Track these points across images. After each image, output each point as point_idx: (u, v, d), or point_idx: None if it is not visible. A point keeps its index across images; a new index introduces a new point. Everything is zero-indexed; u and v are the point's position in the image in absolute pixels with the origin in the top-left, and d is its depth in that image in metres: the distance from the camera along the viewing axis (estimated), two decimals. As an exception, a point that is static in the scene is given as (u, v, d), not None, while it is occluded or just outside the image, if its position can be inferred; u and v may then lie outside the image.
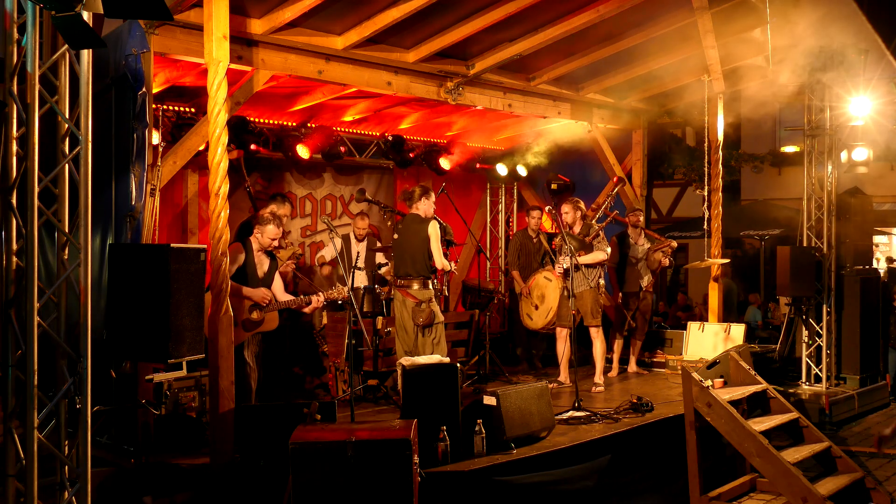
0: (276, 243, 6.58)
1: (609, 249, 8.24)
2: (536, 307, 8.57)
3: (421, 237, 7.06)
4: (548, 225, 10.59)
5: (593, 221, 8.42)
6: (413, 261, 7.07)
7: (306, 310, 6.79)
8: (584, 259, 7.96)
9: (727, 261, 9.67)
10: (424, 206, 7.21)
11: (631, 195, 10.34)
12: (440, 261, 7.09)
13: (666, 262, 9.17)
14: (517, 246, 9.48)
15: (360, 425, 5.25)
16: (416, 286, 7.05)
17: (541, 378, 7.86)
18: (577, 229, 8.17)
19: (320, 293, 6.65)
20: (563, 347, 8.17)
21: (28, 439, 3.48)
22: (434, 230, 7.07)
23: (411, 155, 10.21)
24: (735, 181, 16.19)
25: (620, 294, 9.14)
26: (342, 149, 9.44)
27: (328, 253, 8.74)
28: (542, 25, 7.48)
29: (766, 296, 14.00)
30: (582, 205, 8.34)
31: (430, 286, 7.12)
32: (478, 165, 11.10)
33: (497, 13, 6.95)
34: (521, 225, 11.86)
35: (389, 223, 7.23)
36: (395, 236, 7.26)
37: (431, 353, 6.80)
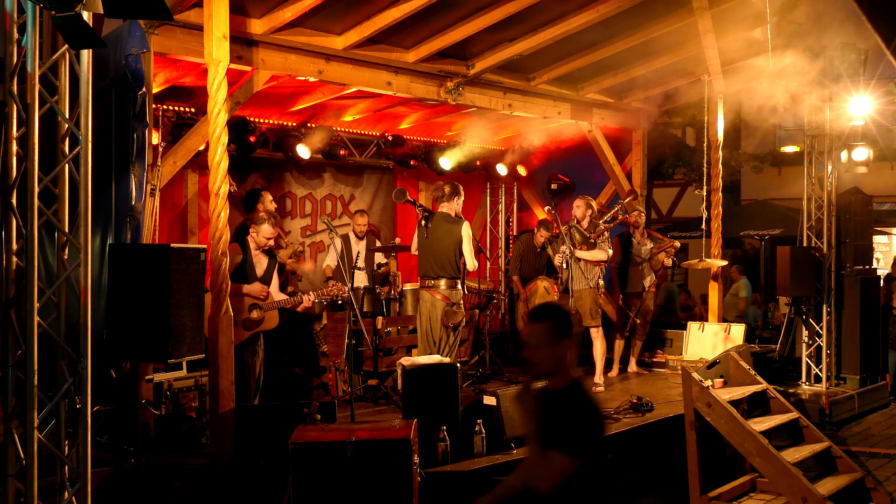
0: (272, 242, 6.56)
1: (611, 251, 8.24)
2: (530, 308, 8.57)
3: (453, 238, 6.90)
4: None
5: (601, 222, 8.40)
6: (444, 261, 6.91)
7: (298, 309, 6.78)
8: (584, 254, 7.93)
9: (725, 262, 9.66)
10: (456, 206, 7.10)
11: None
12: (472, 262, 6.95)
13: (669, 262, 9.17)
14: (520, 252, 9.56)
15: (360, 425, 5.25)
16: (445, 287, 6.91)
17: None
18: (584, 226, 8.16)
19: (311, 292, 6.64)
20: None
21: (28, 439, 3.48)
22: (467, 231, 6.93)
23: (412, 157, 10.21)
24: (735, 181, 16.19)
25: (622, 295, 9.12)
26: (343, 152, 9.45)
27: (332, 261, 8.64)
28: (542, 25, 7.48)
29: (766, 296, 14.00)
30: (594, 205, 8.34)
31: (459, 286, 6.99)
32: (478, 163, 11.09)
33: (497, 13, 6.94)
34: (522, 225, 11.87)
35: (423, 222, 7.07)
36: (423, 235, 7.02)
37: (451, 355, 6.78)
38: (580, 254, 7.92)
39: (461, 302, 6.98)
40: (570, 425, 2.96)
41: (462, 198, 7.17)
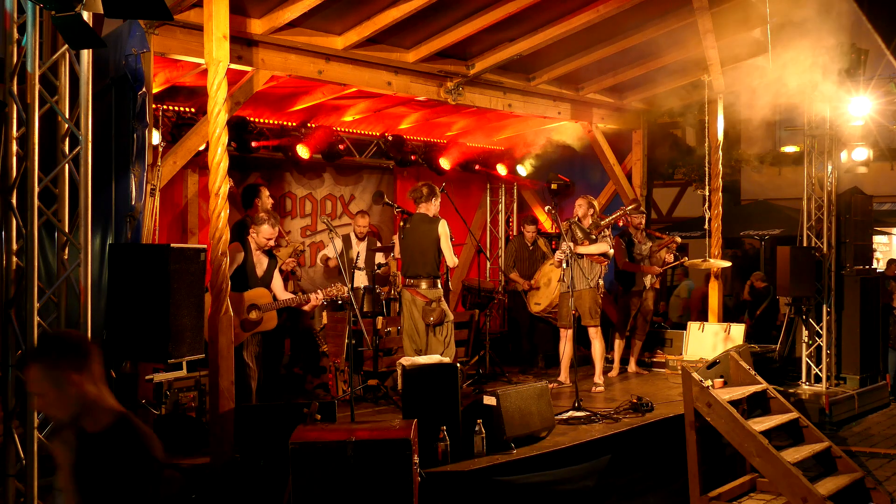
0: (272, 242, 6.56)
1: (612, 251, 8.23)
2: (540, 289, 8.56)
3: (431, 237, 7.04)
4: (548, 225, 10.59)
5: (602, 222, 8.39)
6: (423, 261, 7.04)
7: (306, 307, 6.78)
8: (586, 249, 7.94)
9: (728, 263, 9.66)
10: (434, 206, 7.21)
11: (631, 195, 10.33)
12: (451, 259, 7.10)
13: (671, 258, 9.14)
14: (512, 252, 9.61)
15: (360, 425, 5.25)
16: (424, 285, 7.04)
17: (541, 378, 7.86)
18: (586, 222, 8.15)
19: (319, 291, 6.65)
20: (564, 347, 8.17)
21: (28, 439, 3.49)
22: (444, 229, 7.06)
23: (412, 157, 10.21)
24: (735, 181, 16.18)
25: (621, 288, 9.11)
26: (342, 148, 9.45)
27: (331, 252, 8.69)
28: (542, 25, 7.48)
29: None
30: (596, 204, 8.34)
31: (439, 285, 7.11)
32: (477, 167, 11.10)
33: (497, 13, 6.94)
34: (521, 226, 11.88)
35: (402, 223, 7.19)
36: (402, 236, 7.20)
37: (441, 353, 6.81)
38: (582, 249, 7.92)
39: (441, 299, 7.05)
40: (106, 475, 2.41)
41: (439, 198, 7.31)
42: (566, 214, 8.83)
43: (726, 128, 9.72)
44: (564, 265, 7.78)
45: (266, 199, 7.45)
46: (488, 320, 9.05)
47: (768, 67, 8.57)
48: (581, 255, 7.95)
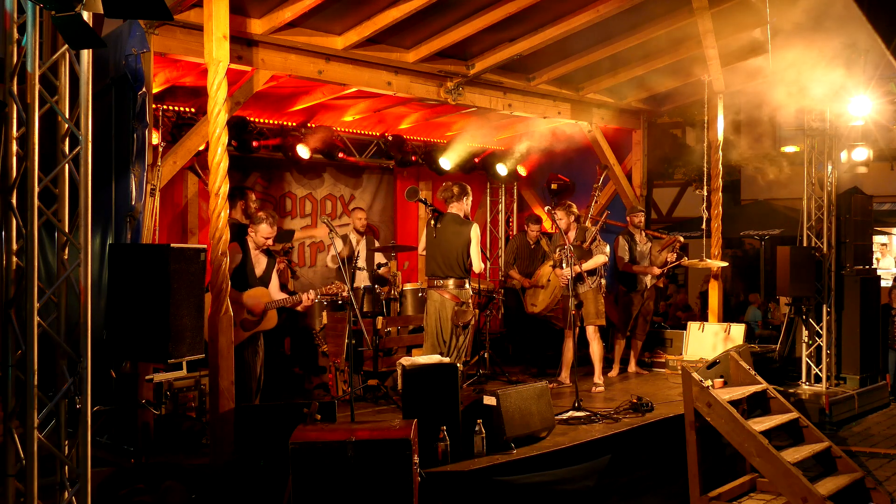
0: (269, 242, 6.56)
1: (608, 250, 8.24)
2: (542, 288, 8.57)
3: (462, 238, 6.93)
4: (548, 225, 10.60)
5: (587, 223, 8.39)
6: (452, 261, 6.94)
7: (298, 308, 6.77)
8: (587, 266, 7.97)
9: (725, 264, 9.66)
10: (465, 206, 7.13)
11: (631, 195, 10.34)
12: (478, 265, 7.00)
13: (673, 257, 9.14)
14: (514, 249, 9.58)
15: (360, 425, 5.25)
16: (454, 287, 6.94)
17: (541, 378, 7.86)
18: (572, 234, 8.13)
19: (311, 291, 6.64)
20: (568, 348, 8.16)
21: (28, 439, 3.48)
22: (476, 233, 6.97)
23: (412, 157, 10.21)
24: (735, 181, 16.18)
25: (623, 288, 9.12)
26: (342, 153, 9.45)
27: (336, 250, 8.65)
28: (542, 25, 7.48)
29: (766, 296, 14.01)
30: (574, 209, 8.32)
31: (468, 286, 7.03)
32: (476, 160, 11.09)
33: (497, 13, 6.95)
34: (521, 224, 11.88)
35: (433, 222, 7.08)
36: (433, 235, 7.04)
37: (462, 355, 6.80)
38: (585, 266, 7.95)
39: (470, 301, 7.00)
40: None
41: (470, 198, 7.21)
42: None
43: (726, 127, 9.71)
44: (567, 276, 7.76)
45: (251, 202, 7.45)
46: (488, 320, 9.05)
47: (768, 67, 8.57)
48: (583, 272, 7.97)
